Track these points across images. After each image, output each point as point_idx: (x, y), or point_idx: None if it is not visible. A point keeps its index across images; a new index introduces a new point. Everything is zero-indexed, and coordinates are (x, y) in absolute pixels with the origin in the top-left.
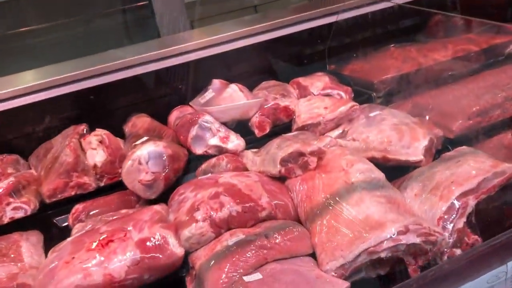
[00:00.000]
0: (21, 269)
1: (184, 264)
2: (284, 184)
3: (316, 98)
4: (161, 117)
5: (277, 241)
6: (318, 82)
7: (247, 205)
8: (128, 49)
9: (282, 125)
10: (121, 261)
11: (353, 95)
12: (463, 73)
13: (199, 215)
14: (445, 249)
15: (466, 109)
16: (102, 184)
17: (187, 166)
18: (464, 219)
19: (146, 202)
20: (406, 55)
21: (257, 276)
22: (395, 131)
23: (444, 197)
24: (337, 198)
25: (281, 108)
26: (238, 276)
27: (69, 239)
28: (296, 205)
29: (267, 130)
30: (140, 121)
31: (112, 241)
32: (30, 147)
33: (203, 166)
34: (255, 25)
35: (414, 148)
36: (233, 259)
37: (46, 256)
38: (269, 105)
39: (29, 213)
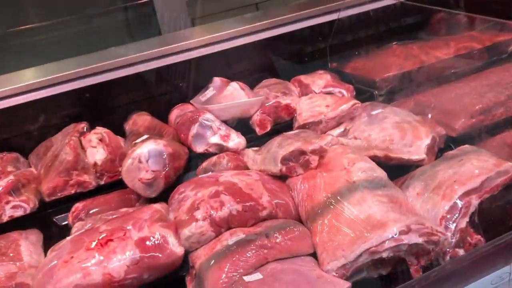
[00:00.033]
0: (20, 268)
1: (184, 263)
2: (285, 183)
3: (317, 96)
4: (162, 115)
5: (277, 240)
6: (319, 80)
7: (247, 204)
8: (128, 46)
9: (283, 123)
10: (120, 260)
11: (354, 93)
12: (466, 71)
13: (199, 214)
14: (448, 249)
15: (469, 108)
16: (102, 182)
17: (187, 165)
18: (467, 219)
19: (147, 201)
20: (408, 53)
21: (257, 276)
22: (397, 130)
23: (446, 196)
24: (338, 197)
25: (282, 106)
26: (238, 276)
27: (68, 238)
28: (297, 204)
29: (268, 129)
30: (140, 119)
31: (111, 240)
32: (30, 145)
33: (204, 164)
34: (256, 23)
35: (416, 146)
36: (233, 258)
37: (45, 255)
38: (270, 103)
39: (28, 211)
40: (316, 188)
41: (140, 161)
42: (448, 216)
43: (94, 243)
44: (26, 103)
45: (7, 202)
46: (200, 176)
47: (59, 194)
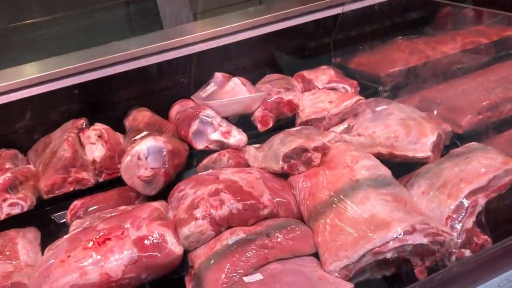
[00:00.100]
0: (16, 267)
1: (184, 263)
2: (286, 181)
3: (320, 92)
4: (163, 111)
5: (278, 240)
6: (323, 76)
7: (248, 202)
8: (129, 41)
9: (286, 120)
10: (118, 260)
11: (359, 89)
12: (473, 66)
13: (198, 212)
14: (454, 250)
15: (476, 104)
16: (101, 179)
17: (188, 162)
18: (473, 219)
19: (146, 199)
20: (413, 48)
21: (257, 276)
22: (402, 126)
23: (452, 195)
24: (341, 196)
25: (285, 102)
26: (238, 276)
27: (65, 236)
28: (299, 203)
29: (270, 125)
30: (140, 115)
31: (109, 239)
32: (30, 142)
33: (204, 161)
34: (259, 17)
35: (421, 143)
36: (233, 258)
37: (43, 253)
38: (272, 99)
39: (25, 209)
40: (318, 186)
41: (139, 158)
42: (454, 216)
43: (91, 242)
44: (24, 98)
45: (4, 200)
46: (200, 173)
47: (57, 192)
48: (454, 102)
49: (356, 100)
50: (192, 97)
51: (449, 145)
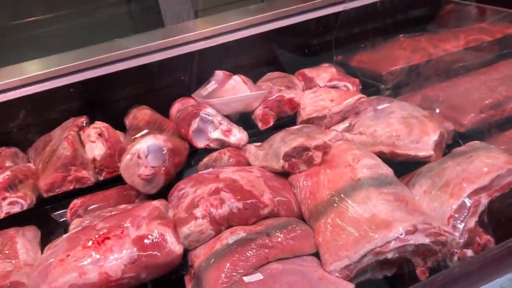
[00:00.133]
0: (16, 266)
1: (184, 262)
2: (287, 180)
3: (322, 90)
4: (164, 109)
5: (279, 239)
6: (324, 74)
7: (248, 201)
8: (130, 39)
9: (287, 118)
10: (117, 259)
11: (360, 87)
12: (475, 64)
13: (198, 212)
14: (456, 250)
15: (478, 102)
16: (101, 178)
17: (188, 160)
18: (476, 218)
19: (146, 197)
20: (416, 46)
21: (257, 276)
22: (404, 125)
23: (454, 194)
24: (342, 195)
25: (286, 101)
26: (238, 276)
27: (65, 235)
28: (300, 202)
29: (271, 123)
30: (141, 113)
31: (108, 238)
32: (31, 140)
33: (205, 160)
34: (260, 15)
35: (423, 142)
36: (233, 258)
37: (42, 252)
38: (273, 97)
39: (25, 208)
40: (319, 186)
41: (139, 157)
42: (456, 216)
43: (90, 241)
44: (25, 96)
45: (4, 198)
46: (200, 172)
47: (57, 190)
48: (457, 100)
49: (357, 98)
50: (192, 95)
51: (451, 144)
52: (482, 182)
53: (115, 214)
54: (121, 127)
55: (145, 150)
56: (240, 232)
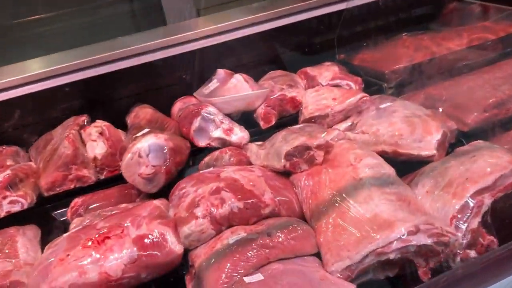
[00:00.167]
0: (16, 266)
1: (184, 262)
2: (288, 179)
3: (324, 88)
4: (166, 107)
5: (280, 239)
6: (326, 72)
7: (249, 201)
8: (132, 37)
9: (289, 117)
10: (117, 259)
11: (363, 86)
12: (479, 63)
13: (199, 211)
14: (458, 251)
15: (482, 101)
16: (102, 177)
17: (189, 159)
18: (479, 219)
19: (147, 196)
20: (418, 44)
21: (258, 276)
22: (407, 124)
23: (457, 194)
24: (344, 195)
25: (288, 99)
26: (238, 276)
27: (65, 235)
28: (301, 202)
29: (273, 122)
30: (142, 112)
31: (108, 237)
32: (32, 138)
33: (206, 159)
34: (262, 13)
35: (426, 141)
36: (234, 258)
37: (43, 251)
38: (275, 96)
39: (25, 207)
40: (321, 185)
41: (140, 156)
42: (459, 216)
43: (91, 241)
44: (26, 95)
45: (4, 197)
46: (201, 171)
47: (57, 189)
48: (460, 99)
49: (360, 97)
50: (194, 93)
51: (454, 143)
52: (485, 182)
53: (115, 214)
54: (123, 126)
55: (146, 149)
56: (240, 232)
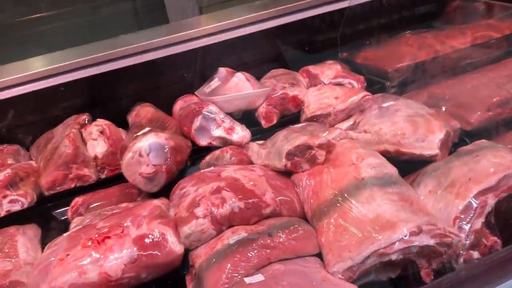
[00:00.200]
0: (15, 265)
1: (185, 262)
2: (290, 179)
3: (326, 87)
4: (169, 106)
5: (281, 240)
6: (329, 71)
7: (250, 201)
8: (134, 35)
9: (290, 116)
10: (117, 259)
11: (365, 84)
12: (483, 61)
13: (199, 211)
14: (461, 252)
15: (486, 100)
16: (103, 176)
17: (191, 158)
18: (482, 219)
19: (148, 195)
20: (422, 42)
21: (259, 277)
22: (410, 123)
23: (460, 195)
24: (346, 195)
25: (290, 98)
26: (239, 277)
27: (65, 234)
28: (303, 202)
29: (275, 121)
30: (143, 111)
31: (108, 237)
32: (34, 137)
33: (207, 158)
34: (264, 11)
35: (429, 141)
36: (234, 258)
37: (43, 251)
38: (277, 94)
39: (26, 206)
40: (322, 185)
41: (140, 155)
42: (462, 216)
43: (90, 241)
44: (29, 93)
45: (4, 196)
46: (202, 170)
47: (58, 188)
48: (463, 98)
49: (362, 96)
50: (196, 92)
51: (457, 143)
52: (489, 182)
53: (115, 213)
54: (124, 124)
55: (147, 148)
56: (241, 232)
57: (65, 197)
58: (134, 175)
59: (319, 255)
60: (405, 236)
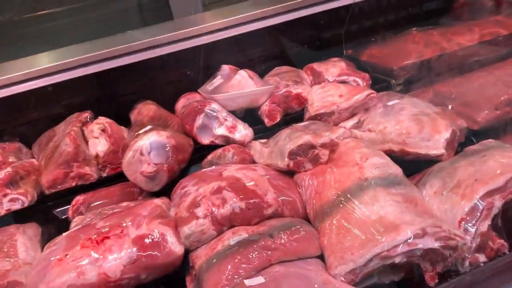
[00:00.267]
0: (14, 265)
1: (185, 263)
2: (292, 179)
3: (330, 85)
4: (171, 103)
5: (282, 241)
6: (333, 68)
7: (251, 201)
8: (137, 32)
9: (294, 114)
10: (116, 259)
11: (370, 82)
12: (490, 59)
13: (200, 211)
14: (467, 255)
15: (493, 98)
16: (104, 174)
17: (193, 157)
18: (488, 222)
19: (150, 194)
20: (428, 40)
21: (259, 279)
22: (415, 122)
23: (466, 196)
24: (349, 196)
25: (293, 96)
26: (239, 279)
27: (64, 234)
28: (305, 202)
29: (278, 119)
30: (145, 109)
31: (108, 237)
32: (36, 135)
33: (209, 157)
34: (268, 7)
35: (434, 140)
36: (235, 260)
37: (42, 250)
38: (280, 92)
39: (26, 204)
40: (325, 185)
41: (141, 154)
42: (468, 218)
43: (90, 241)
44: (32, 90)
45: (5, 195)
46: (203, 170)
47: (59, 187)
48: (470, 96)
49: (367, 94)
50: (199, 90)
51: (464, 142)
52: (496, 183)
53: (116, 213)
54: (127, 122)
55: (148, 146)
56: (242, 233)
57: (66, 195)
58: (135, 174)
59: (321, 257)
60: (409, 239)
